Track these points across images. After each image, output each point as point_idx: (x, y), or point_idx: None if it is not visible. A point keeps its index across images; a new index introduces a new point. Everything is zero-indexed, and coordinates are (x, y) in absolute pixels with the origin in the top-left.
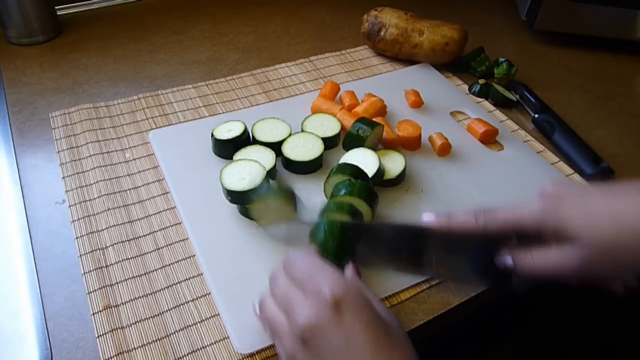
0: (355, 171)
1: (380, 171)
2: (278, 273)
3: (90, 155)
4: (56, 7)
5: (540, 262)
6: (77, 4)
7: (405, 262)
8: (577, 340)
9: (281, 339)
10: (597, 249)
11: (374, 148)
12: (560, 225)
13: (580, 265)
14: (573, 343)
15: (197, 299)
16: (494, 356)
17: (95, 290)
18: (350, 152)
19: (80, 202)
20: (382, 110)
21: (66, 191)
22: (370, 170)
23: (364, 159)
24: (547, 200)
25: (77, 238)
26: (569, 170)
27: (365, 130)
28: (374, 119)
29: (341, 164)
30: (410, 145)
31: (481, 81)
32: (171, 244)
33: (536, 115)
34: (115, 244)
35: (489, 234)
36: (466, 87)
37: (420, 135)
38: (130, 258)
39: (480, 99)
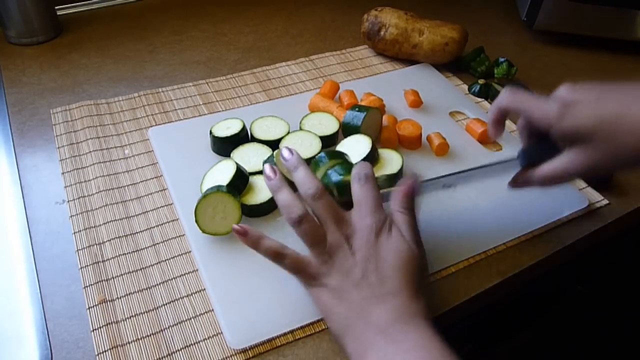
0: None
1: (372, 156)
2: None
3: (90, 152)
4: (56, 7)
5: (549, 170)
6: (77, 4)
7: None
8: (576, 341)
9: (320, 247)
10: (609, 153)
11: (373, 135)
12: (573, 130)
13: (588, 166)
14: (573, 343)
15: (191, 294)
16: (494, 356)
17: (91, 285)
18: (345, 139)
19: (79, 198)
20: (381, 109)
21: (65, 187)
22: (359, 155)
23: (357, 144)
24: (563, 107)
25: (75, 233)
26: None
27: (357, 116)
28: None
29: (325, 151)
30: (410, 144)
31: (481, 81)
32: (167, 240)
33: None
34: (112, 239)
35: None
36: (466, 87)
37: (420, 134)
38: (127, 253)
39: (479, 99)
